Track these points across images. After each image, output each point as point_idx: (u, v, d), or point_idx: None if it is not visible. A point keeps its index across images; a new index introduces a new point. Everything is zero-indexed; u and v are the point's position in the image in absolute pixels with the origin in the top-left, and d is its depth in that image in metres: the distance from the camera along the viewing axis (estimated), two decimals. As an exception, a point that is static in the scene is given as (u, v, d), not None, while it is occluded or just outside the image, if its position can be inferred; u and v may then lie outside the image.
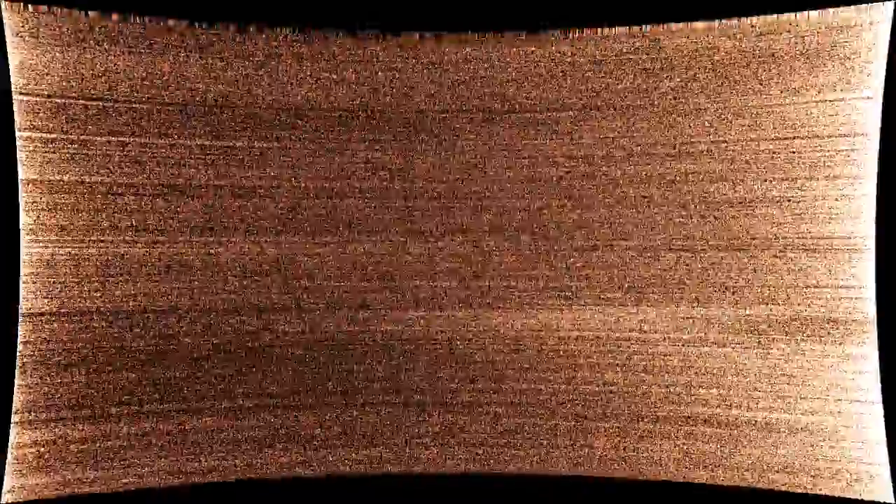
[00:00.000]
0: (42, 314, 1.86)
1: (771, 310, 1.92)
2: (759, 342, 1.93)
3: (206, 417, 1.98)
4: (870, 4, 1.77)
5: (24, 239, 1.82)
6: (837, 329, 1.87)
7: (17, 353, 1.83)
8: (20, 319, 1.83)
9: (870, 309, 1.83)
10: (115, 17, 1.82)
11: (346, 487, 2.04)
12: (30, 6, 1.77)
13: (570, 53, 1.96)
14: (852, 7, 1.78)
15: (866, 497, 1.86)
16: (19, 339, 1.83)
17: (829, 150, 1.84)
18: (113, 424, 1.92)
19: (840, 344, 1.87)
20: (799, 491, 1.90)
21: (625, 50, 1.93)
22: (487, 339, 2.06)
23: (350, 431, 2.04)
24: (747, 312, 1.93)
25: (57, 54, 1.80)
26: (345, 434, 2.03)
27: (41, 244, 1.85)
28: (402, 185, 2.02)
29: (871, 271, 1.82)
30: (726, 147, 1.91)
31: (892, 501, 1.85)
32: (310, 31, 1.94)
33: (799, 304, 1.90)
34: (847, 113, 1.81)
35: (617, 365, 2.02)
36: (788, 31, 1.83)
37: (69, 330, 1.88)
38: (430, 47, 1.97)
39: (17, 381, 1.83)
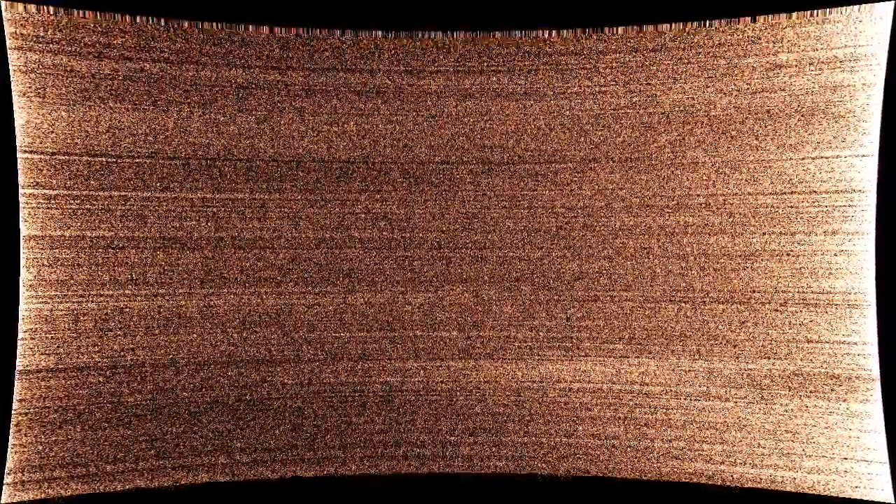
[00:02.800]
0: (39, 371, 1.84)
1: (773, 364, 1.90)
2: (762, 397, 1.91)
3: (202, 474, 1.94)
4: (861, 66, 1.80)
5: (24, 295, 1.82)
6: (840, 385, 1.85)
7: (13, 412, 1.81)
8: (16, 377, 1.81)
9: (873, 366, 1.82)
10: (121, 72, 1.85)
11: (346, 487, 2.01)
12: (37, 67, 1.81)
13: (568, 107, 1.98)
14: (846, 69, 1.82)
15: (866, 497, 1.83)
16: (15, 397, 1.81)
17: (826, 206, 1.85)
18: (107, 483, 1.89)
19: (844, 401, 1.85)
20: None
21: (622, 104, 1.96)
22: (488, 391, 2.04)
23: (348, 487, 2.00)
24: (749, 366, 1.92)
25: (62, 113, 1.83)
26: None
27: (41, 300, 1.84)
28: (402, 235, 2.03)
29: (873, 328, 1.81)
30: (725, 200, 1.93)
31: (892, 502, 1.82)
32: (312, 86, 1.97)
33: (801, 360, 1.88)
34: (843, 170, 1.83)
35: (619, 418, 1.99)
36: (783, 90, 1.86)
37: (66, 386, 1.86)
38: (431, 101, 2.00)
39: (11, 441, 1.81)
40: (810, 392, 1.88)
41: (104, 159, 1.87)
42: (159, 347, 1.92)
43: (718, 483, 1.94)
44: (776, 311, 1.90)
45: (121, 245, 1.89)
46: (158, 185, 1.90)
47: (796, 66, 1.84)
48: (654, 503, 1.97)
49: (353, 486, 2.01)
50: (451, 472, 2.02)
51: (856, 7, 1.78)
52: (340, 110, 1.98)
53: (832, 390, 1.86)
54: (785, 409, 1.90)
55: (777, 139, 1.87)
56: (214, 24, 1.90)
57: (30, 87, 1.80)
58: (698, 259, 1.95)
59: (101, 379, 1.88)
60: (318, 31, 1.96)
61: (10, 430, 1.80)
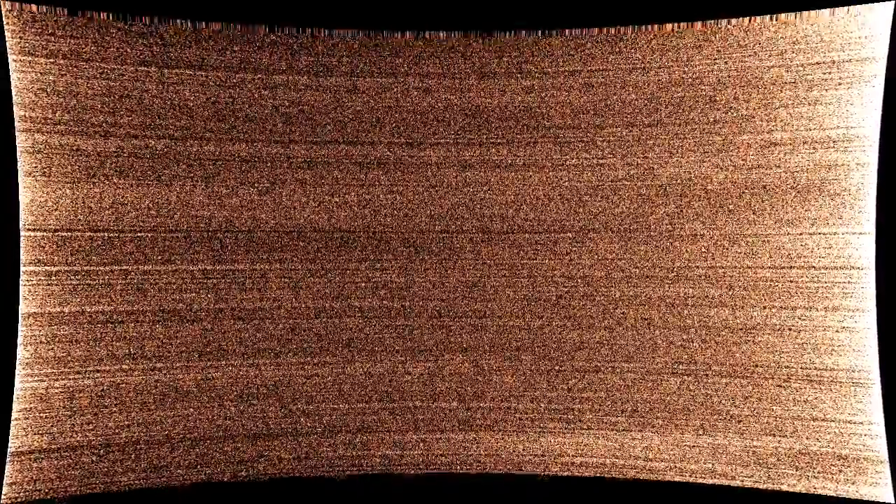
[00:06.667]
0: (31, 452, 1.81)
1: (779, 442, 1.87)
2: (769, 476, 1.87)
3: (194, 555, 1.89)
4: (854, 147, 1.83)
5: (20, 374, 1.80)
6: (848, 467, 1.82)
7: (2, 496, 1.77)
8: (8, 459, 1.78)
9: (881, 447, 1.79)
10: (126, 149, 1.88)
11: (346, 487, 1.97)
12: (44, 147, 1.84)
13: (567, 179, 2.01)
14: (840, 149, 1.85)
15: (866, 497, 1.78)
16: (5, 481, 1.77)
17: (825, 282, 1.85)
18: (97, 569, 1.84)
19: (853, 483, 1.81)
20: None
21: (620, 176, 1.98)
22: (489, 464, 2.00)
23: (348, 488, 1.94)
24: (754, 444, 1.89)
25: (67, 190, 1.85)
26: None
27: (36, 378, 1.82)
28: (402, 304, 2.02)
29: (879, 407, 1.79)
30: (724, 273, 1.93)
31: (893, 502, 1.77)
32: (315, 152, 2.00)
33: (807, 438, 1.85)
34: (841, 247, 1.84)
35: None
36: (778, 167, 1.89)
37: (58, 467, 1.82)
38: (431, 171, 2.02)
39: (-3, 529, 1.77)
40: (818, 473, 1.84)
41: (106, 234, 1.88)
42: (154, 423, 1.89)
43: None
44: (780, 386, 1.87)
45: (119, 319, 1.88)
46: (159, 257, 1.91)
47: (790, 144, 1.87)
48: (654, 503, 1.92)
49: (353, 486, 1.97)
50: (449, 473, 1.97)
51: (846, 90, 1.82)
52: (342, 181, 2.01)
53: (840, 471, 1.82)
54: (793, 491, 1.86)
55: (774, 214, 1.89)
56: (219, 100, 1.94)
57: (35, 167, 1.82)
58: (699, 331, 1.94)
59: (94, 458, 1.85)
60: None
61: (-1, 516, 1.76)
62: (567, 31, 1.99)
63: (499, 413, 2.01)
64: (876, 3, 1.79)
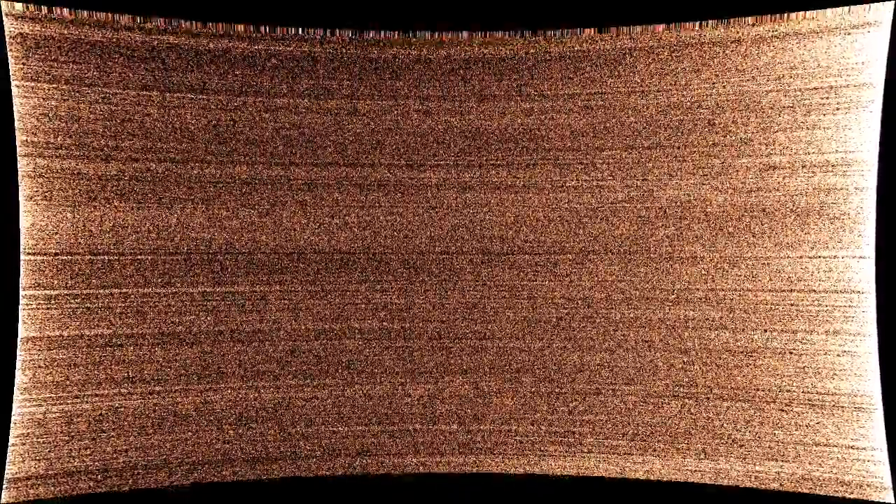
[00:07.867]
0: (28, 478, 1.80)
1: (781, 467, 1.86)
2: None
3: (191, 582, 1.88)
4: (853, 171, 1.84)
5: (18, 398, 1.80)
6: (851, 493, 1.80)
7: (-3, 523, 1.76)
8: (4, 486, 1.77)
9: (884, 473, 1.78)
10: (127, 172, 1.88)
11: (346, 487, 1.96)
12: (45, 172, 1.84)
13: (566, 200, 2.01)
14: (839, 173, 1.85)
15: (866, 498, 1.76)
16: (1, 508, 1.77)
17: (826, 305, 1.85)
18: None
19: (856, 510, 1.80)
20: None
21: (620, 198, 1.99)
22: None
23: (347, 488, 1.93)
24: (756, 468, 1.87)
25: (67, 214, 1.85)
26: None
27: (34, 403, 1.82)
28: (402, 325, 2.02)
29: (881, 433, 1.78)
30: (724, 296, 1.93)
31: (893, 502, 1.75)
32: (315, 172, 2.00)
33: (809, 464, 1.84)
34: (841, 270, 1.83)
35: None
36: (777, 190, 1.89)
37: (55, 493, 1.81)
38: (431, 193, 2.03)
39: (-7, 556, 1.76)
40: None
41: (106, 257, 1.88)
42: (153, 448, 1.88)
43: None
44: (781, 411, 1.87)
45: (119, 342, 1.88)
46: (159, 280, 1.91)
47: (789, 167, 1.88)
48: (654, 503, 1.91)
49: (352, 486, 1.96)
50: (449, 472, 1.97)
51: (844, 115, 1.83)
52: (342, 203, 2.01)
53: (844, 498, 1.81)
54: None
55: (774, 237, 1.89)
56: (220, 123, 1.95)
57: (37, 191, 1.83)
58: (700, 354, 1.93)
59: (91, 484, 1.83)
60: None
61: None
62: (562, 31, 1.98)
63: (499, 436, 2.00)
64: (863, 112, 1.78)
